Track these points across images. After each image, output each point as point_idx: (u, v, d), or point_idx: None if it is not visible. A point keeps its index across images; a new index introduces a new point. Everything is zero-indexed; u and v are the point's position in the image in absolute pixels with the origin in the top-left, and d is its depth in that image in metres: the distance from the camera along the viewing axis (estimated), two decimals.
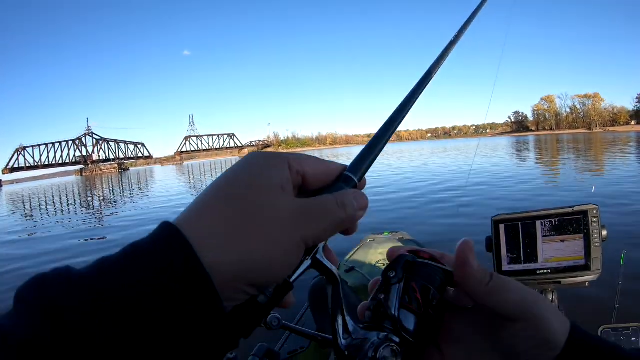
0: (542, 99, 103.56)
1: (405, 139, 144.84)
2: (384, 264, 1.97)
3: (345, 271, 1.88)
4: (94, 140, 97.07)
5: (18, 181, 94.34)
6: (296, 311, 1.49)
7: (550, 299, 0.97)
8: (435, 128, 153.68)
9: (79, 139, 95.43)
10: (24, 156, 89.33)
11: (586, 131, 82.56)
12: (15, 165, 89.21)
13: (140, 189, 21.52)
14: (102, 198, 18.17)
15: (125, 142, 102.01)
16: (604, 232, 0.92)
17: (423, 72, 0.37)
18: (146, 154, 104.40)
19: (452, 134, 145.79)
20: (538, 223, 0.97)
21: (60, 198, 21.53)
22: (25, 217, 13.11)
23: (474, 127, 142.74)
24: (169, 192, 16.41)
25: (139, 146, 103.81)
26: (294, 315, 1.45)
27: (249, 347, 1.01)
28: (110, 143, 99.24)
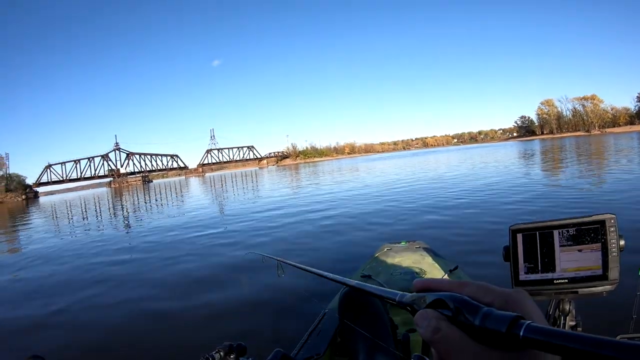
0: (541, 103, 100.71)
1: (431, 145, 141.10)
2: (400, 273, 1.98)
3: (361, 276, 1.92)
4: (124, 155, 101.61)
5: (53, 192, 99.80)
6: (313, 318, 1.53)
7: (567, 308, 0.97)
8: (462, 133, 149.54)
9: (107, 154, 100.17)
10: (52, 172, 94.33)
11: (584, 134, 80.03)
12: (44, 180, 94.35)
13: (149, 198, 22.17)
14: (126, 208, 18.99)
15: (159, 155, 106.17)
16: (622, 242, 0.92)
17: None
18: (181, 164, 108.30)
19: (479, 138, 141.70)
20: (555, 232, 0.97)
21: (98, 205, 22.61)
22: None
23: (501, 131, 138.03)
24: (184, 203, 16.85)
25: (175, 157, 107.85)
26: (312, 321, 1.49)
27: (265, 352, 1.05)
28: (142, 156, 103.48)
